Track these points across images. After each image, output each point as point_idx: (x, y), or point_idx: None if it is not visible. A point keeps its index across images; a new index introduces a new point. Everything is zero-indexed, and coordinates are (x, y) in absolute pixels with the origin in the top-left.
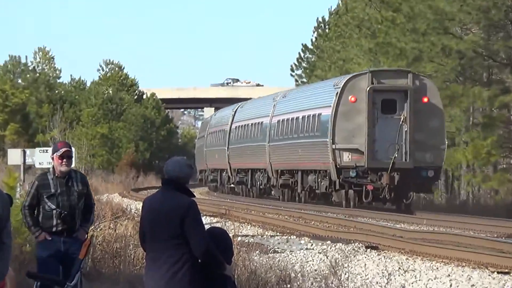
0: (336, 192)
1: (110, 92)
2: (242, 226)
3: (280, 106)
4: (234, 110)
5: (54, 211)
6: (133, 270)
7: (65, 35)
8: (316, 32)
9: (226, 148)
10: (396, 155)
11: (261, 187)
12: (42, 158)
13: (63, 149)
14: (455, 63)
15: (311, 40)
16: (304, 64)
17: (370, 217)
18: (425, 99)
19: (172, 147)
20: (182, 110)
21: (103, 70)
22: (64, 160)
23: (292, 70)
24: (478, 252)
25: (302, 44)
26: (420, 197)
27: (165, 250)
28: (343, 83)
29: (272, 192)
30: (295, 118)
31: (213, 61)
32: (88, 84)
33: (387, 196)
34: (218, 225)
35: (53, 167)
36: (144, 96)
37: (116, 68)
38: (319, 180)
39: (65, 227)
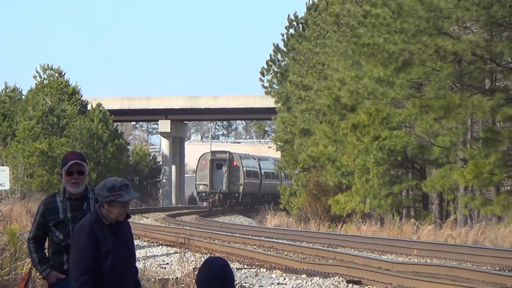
0: (199, 202)
1: (49, 102)
2: (204, 257)
3: None
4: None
5: (63, 243)
6: None
7: None
8: (287, 32)
9: None
10: (221, 187)
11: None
12: None
13: (71, 162)
14: (451, 69)
15: (283, 40)
16: (275, 68)
17: (352, 247)
18: (234, 163)
19: (122, 167)
20: (133, 123)
21: (40, 76)
22: (74, 176)
23: (262, 74)
24: (478, 287)
25: (274, 45)
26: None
27: None
28: (200, 156)
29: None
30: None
31: (168, 68)
32: (24, 92)
33: (217, 203)
34: (176, 256)
35: (64, 187)
36: (89, 107)
37: (56, 74)
38: (198, 197)
39: None
